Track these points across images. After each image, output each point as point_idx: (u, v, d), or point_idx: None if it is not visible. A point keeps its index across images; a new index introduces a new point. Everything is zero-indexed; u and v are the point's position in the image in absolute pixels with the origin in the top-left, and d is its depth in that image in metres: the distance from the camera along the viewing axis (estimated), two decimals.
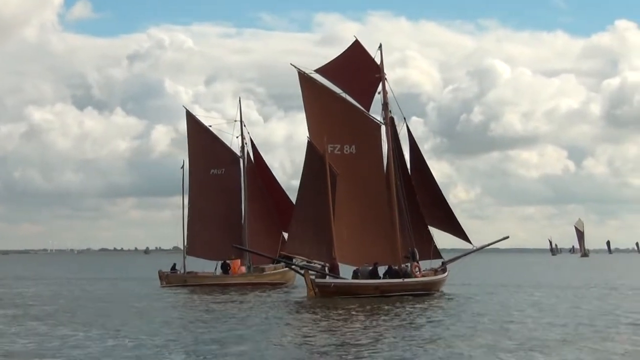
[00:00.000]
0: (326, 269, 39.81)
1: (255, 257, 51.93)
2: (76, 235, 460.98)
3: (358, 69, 42.55)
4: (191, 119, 55.15)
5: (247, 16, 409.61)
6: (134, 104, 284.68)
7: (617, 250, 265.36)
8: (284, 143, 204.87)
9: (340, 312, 31.31)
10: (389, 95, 42.76)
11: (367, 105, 43.01)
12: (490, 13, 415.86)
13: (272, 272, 52.16)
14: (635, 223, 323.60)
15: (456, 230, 44.40)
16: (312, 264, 40.60)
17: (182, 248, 53.43)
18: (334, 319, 28.59)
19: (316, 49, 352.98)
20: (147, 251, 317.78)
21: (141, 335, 23.54)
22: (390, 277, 40.48)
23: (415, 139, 44.08)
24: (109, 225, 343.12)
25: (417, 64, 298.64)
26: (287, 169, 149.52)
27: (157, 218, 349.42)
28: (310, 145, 41.20)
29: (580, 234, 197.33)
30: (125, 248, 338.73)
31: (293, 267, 40.06)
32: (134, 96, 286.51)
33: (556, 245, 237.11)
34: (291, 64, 43.01)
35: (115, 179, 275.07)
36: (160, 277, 50.48)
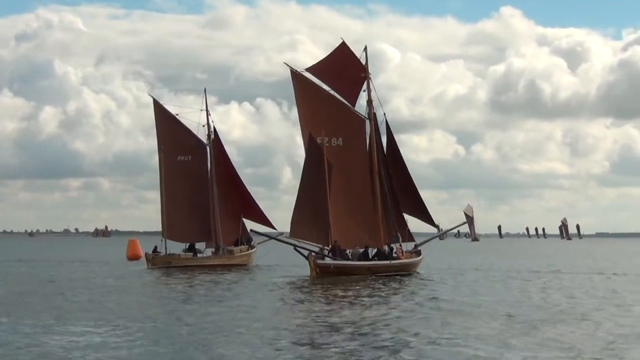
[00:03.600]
0: (325, 251, 43.82)
1: (226, 241, 55.56)
2: None
3: (345, 69, 46.57)
4: (157, 107, 57.66)
5: None
6: (22, 84, 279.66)
7: (508, 235, 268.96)
8: None
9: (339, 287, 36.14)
10: (373, 92, 47.04)
11: (353, 101, 47.15)
12: None
13: (240, 254, 55.97)
14: (524, 208, 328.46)
15: (425, 216, 49.09)
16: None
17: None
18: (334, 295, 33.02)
19: (202, 32, 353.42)
20: (31, 234, 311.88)
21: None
22: (379, 259, 44.70)
23: None
24: None
25: (306, 48, 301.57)
26: None
27: (47, 200, 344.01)
28: (310, 138, 44.96)
29: (469, 219, 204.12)
30: (15, 230, 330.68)
31: (298, 249, 43.63)
32: (21, 77, 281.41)
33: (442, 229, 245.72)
34: (284, 63, 46.98)
35: (4, 160, 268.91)
36: (147, 259, 53.48)
